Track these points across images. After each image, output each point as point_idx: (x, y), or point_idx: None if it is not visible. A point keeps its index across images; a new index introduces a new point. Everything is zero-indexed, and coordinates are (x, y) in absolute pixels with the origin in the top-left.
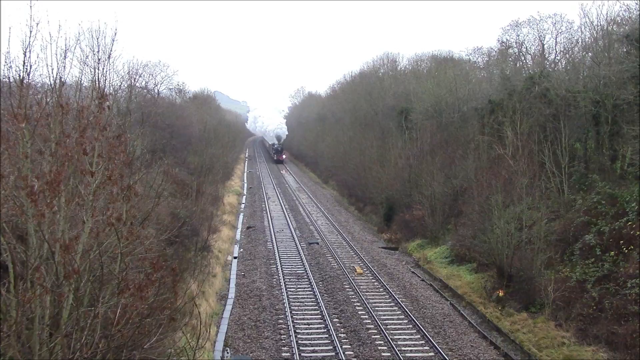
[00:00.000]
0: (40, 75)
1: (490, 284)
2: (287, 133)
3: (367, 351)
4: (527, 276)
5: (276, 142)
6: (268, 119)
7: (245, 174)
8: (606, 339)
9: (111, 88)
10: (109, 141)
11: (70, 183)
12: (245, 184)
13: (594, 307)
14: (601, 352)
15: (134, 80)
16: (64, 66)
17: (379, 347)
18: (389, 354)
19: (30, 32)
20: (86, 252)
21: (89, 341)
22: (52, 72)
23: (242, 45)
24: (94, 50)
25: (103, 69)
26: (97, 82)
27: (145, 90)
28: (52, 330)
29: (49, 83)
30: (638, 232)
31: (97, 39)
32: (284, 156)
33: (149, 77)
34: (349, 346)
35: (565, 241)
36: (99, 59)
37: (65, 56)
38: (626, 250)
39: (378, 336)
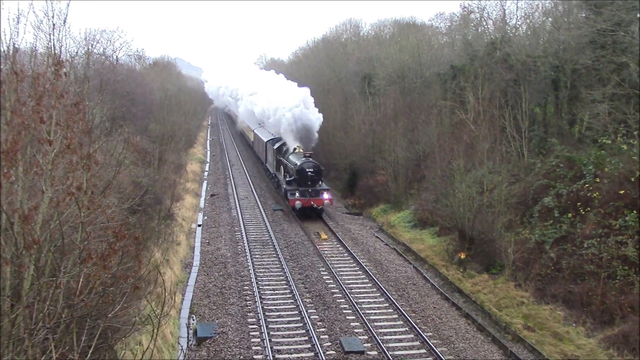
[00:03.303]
0: None
1: (452, 247)
2: (321, 119)
3: (333, 315)
4: (488, 239)
5: (294, 147)
6: (250, 81)
7: (208, 141)
8: (563, 297)
9: (68, 54)
10: (67, 109)
11: (28, 152)
12: (209, 152)
13: (552, 268)
14: (558, 310)
15: (92, 47)
16: (17, 32)
17: (344, 311)
18: (353, 317)
19: None
20: (46, 222)
21: (52, 311)
22: (5, 38)
23: (204, 11)
24: (48, 16)
25: (58, 34)
26: (52, 49)
27: (103, 57)
28: (14, 302)
29: (2, 50)
30: (595, 194)
31: (52, 3)
32: (326, 197)
33: (106, 43)
34: (314, 310)
35: (525, 204)
36: (53, 25)
37: (18, 21)
38: (583, 212)
39: (343, 300)
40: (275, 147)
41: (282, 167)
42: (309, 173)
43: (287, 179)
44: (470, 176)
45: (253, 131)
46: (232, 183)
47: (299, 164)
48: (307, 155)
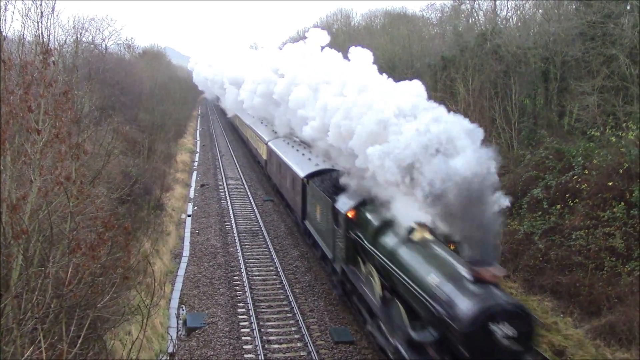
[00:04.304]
0: None
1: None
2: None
3: (322, 305)
4: None
5: (411, 224)
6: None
7: (198, 131)
8: (551, 288)
9: (56, 43)
10: (56, 98)
11: (16, 141)
12: (198, 142)
13: (541, 259)
14: (546, 301)
15: (80, 35)
16: (5, 19)
17: (334, 301)
18: (343, 308)
19: None
20: (35, 211)
21: (41, 301)
22: None
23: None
24: (36, 3)
25: (47, 22)
26: (40, 37)
27: (92, 46)
28: (2, 292)
29: None
30: (583, 186)
31: None
32: None
33: (95, 31)
34: (304, 301)
35: (514, 195)
36: (42, 12)
37: (5, 9)
38: (572, 204)
39: (333, 290)
40: (343, 207)
41: (374, 275)
42: (507, 346)
43: (416, 335)
44: None
45: (266, 145)
46: (222, 173)
47: (470, 311)
48: (489, 280)
